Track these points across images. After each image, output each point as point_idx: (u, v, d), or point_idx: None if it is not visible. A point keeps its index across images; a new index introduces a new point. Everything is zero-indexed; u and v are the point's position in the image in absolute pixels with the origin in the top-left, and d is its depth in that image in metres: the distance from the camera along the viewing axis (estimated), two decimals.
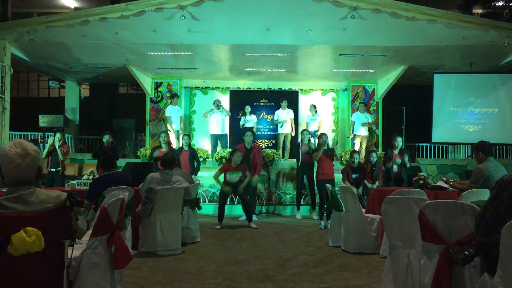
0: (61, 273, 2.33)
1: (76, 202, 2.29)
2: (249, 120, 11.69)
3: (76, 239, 2.37)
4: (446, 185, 6.01)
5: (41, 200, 2.25)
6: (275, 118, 11.78)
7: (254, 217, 8.36)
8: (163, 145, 9.00)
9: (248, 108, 11.79)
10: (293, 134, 11.79)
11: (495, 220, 2.36)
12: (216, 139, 11.46)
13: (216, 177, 8.17)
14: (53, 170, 8.87)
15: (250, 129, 10.81)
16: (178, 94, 12.08)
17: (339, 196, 6.37)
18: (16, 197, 2.21)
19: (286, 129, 11.61)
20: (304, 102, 13.27)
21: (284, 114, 11.61)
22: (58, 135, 8.98)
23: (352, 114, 12.16)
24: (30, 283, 2.23)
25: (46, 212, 2.24)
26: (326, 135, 8.92)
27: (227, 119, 11.95)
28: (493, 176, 4.94)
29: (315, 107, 11.92)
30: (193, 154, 9.31)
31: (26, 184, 2.26)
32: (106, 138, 9.25)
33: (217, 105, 11.29)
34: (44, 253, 2.17)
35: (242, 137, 9.27)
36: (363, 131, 11.54)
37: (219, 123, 11.42)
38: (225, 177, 8.02)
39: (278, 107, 11.83)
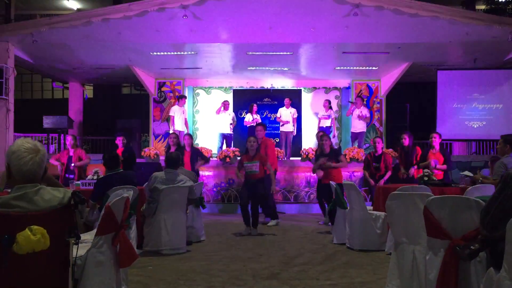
0: (66, 271, 2.33)
1: (80, 200, 2.29)
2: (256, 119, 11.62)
3: (81, 237, 2.38)
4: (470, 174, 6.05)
5: (46, 199, 2.26)
6: (278, 115, 11.81)
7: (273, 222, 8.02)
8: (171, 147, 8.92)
9: (254, 107, 11.76)
10: (294, 133, 11.78)
11: (501, 215, 2.35)
12: (223, 137, 11.60)
13: (236, 172, 7.47)
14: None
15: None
16: (185, 96, 12.04)
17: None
18: (22, 196, 2.22)
19: (287, 128, 11.63)
20: (307, 100, 13.27)
21: (286, 113, 11.63)
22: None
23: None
24: (36, 282, 2.23)
25: (51, 211, 2.25)
26: (323, 138, 7.84)
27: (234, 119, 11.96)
28: None
29: (329, 102, 11.92)
30: (196, 153, 9.08)
31: (34, 181, 2.27)
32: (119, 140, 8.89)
33: (224, 106, 11.55)
34: (49, 251, 2.17)
35: (245, 135, 9.19)
36: (360, 126, 11.47)
37: (227, 123, 11.56)
38: (244, 174, 7.17)
39: (281, 105, 11.84)
